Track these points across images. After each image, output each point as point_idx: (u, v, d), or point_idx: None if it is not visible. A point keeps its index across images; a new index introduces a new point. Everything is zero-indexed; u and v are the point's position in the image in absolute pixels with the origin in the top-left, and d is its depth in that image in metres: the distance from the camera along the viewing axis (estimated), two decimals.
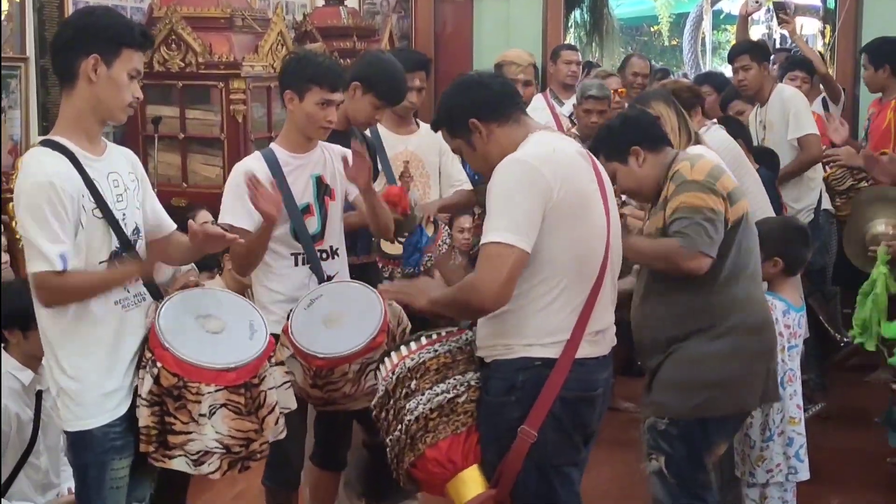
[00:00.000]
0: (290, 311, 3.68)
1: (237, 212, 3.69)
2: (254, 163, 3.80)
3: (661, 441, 3.63)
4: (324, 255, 3.88)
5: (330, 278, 3.86)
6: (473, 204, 5.31)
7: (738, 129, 5.55)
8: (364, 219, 4.01)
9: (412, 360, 3.17)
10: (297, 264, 3.84)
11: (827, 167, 6.25)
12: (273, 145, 3.90)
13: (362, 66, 4.38)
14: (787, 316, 4.10)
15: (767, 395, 3.73)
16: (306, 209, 3.83)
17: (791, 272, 4.21)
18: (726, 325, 3.56)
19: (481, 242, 3.00)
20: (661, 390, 3.64)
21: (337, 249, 3.94)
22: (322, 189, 3.88)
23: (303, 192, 3.83)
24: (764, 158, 5.61)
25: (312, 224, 3.85)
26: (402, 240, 4.50)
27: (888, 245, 5.17)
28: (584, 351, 3.08)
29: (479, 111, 3.16)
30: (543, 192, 2.97)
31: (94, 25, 3.02)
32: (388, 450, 3.22)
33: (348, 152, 3.88)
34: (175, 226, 3.42)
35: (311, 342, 3.57)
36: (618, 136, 3.72)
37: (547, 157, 3.03)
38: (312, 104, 3.76)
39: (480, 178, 5.36)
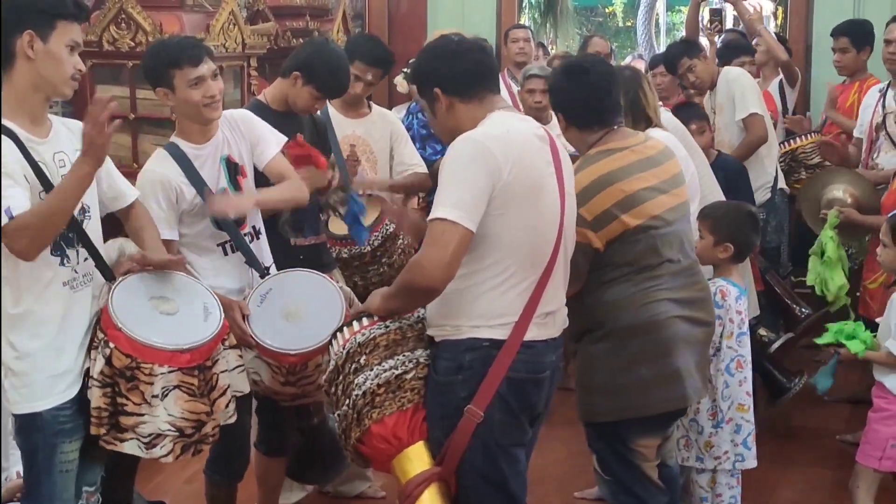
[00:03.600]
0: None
1: (161, 223, 3.55)
2: (164, 168, 3.63)
3: (589, 440, 3.65)
4: (249, 238, 3.78)
5: (268, 269, 3.78)
6: (428, 186, 5.28)
7: (697, 113, 5.59)
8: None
9: (363, 335, 3.15)
10: (226, 253, 3.74)
11: (796, 139, 6.31)
12: (174, 139, 3.74)
13: (306, 56, 4.23)
14: (739, 301, 4.10)
15: (676, 397, 3.54)
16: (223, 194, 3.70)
17: (740, 258, 4.22)
18: (602, 329, 3.48)
19: (429, 217, 2.99)
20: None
21: (259, 230, 3.85)
22: (233, 169, 3.75)
23: (217, 179, 3.70)
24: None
25: None
26: (343, 214, 4.44)
27: (839, 210, 5.24)
28: (533, 333, 3.07)
29: (442, 83, 3.15)
30: (492, 172, 2.96)
31: (24, 2, 2.96)
32: (336, 425, 3.21)
33: (245, 116, 3.83)
34: (137, 193, 3.38)
35: (277, 340, 3.52)
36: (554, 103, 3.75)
37: (499, 137, 3.02)
38: (185, 89, 3.56)
39: (434, 160, 5.39)
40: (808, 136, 6.39)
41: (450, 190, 2.97)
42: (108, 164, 3.28)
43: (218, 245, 3.73)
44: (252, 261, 3.75)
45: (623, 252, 3.44)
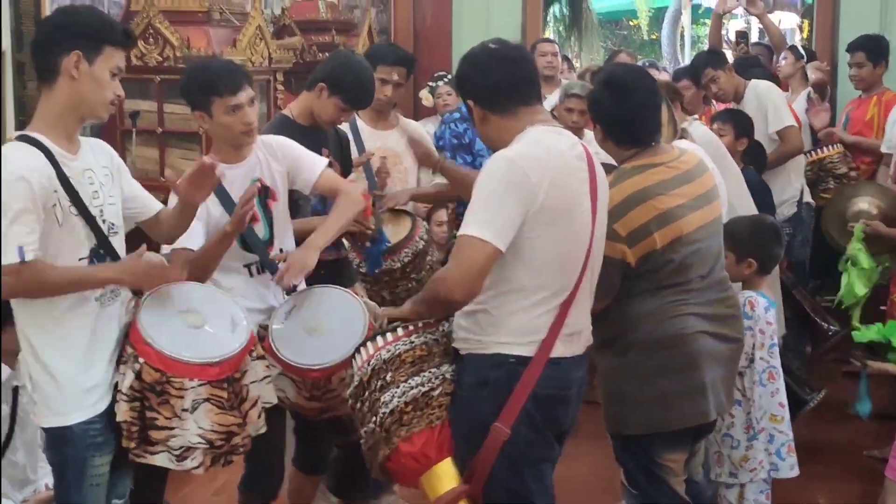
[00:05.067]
0: (266, 326, 3.61)
1: (187, 235, 3.52)
2: None
3: (616, 452, 3.64)
4: (278, 261, 3.77)
5: (295, 287, 3.76)
6: (454, 197, 5.28)
7: (746, 122, 5.59)
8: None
9: (388, 351, 3.15)
10: (252, 275, 3.76)
11: (823, 149, 6.29)
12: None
13: (331, 68, 4.26)
14: (769, 312, 4.09)
15: (698, 413, 3.52)
16: (251, 217, 3.69)
17: (765, 271, 4.21)
18: (626, 340, 3.47)
19: (459, 233, 2.99)
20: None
21: (288, 252, 3.84)
22: (263, 192, 3.75)
23: None
24: (753, 155, 5.64)
25: (260, 230, 3.75)
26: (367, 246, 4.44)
27: (866, 223, 5.22)
28: (559, 350, 3.06)
29: (475, 94, 3.15)
30: (527, 195, 2.95)
31: (77, 22, 3.02)
32: (362, 441, 3.20)
33: (283, 142, 3.82)
34: (161, 206, 3.41)
35: (300, 356, 3.52)
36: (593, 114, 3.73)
37: (537, 158, 3.00)
38: (222, 116, 3.60)
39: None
40: (835, 145, 6.38)
41: (482, 208, 2.96)
42: (130, 178, 3.32)
43: (245, 266, 3.75)
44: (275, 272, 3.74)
45: (653, 267, 3.43)
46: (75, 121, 3.07)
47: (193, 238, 3.53)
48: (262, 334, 3.58)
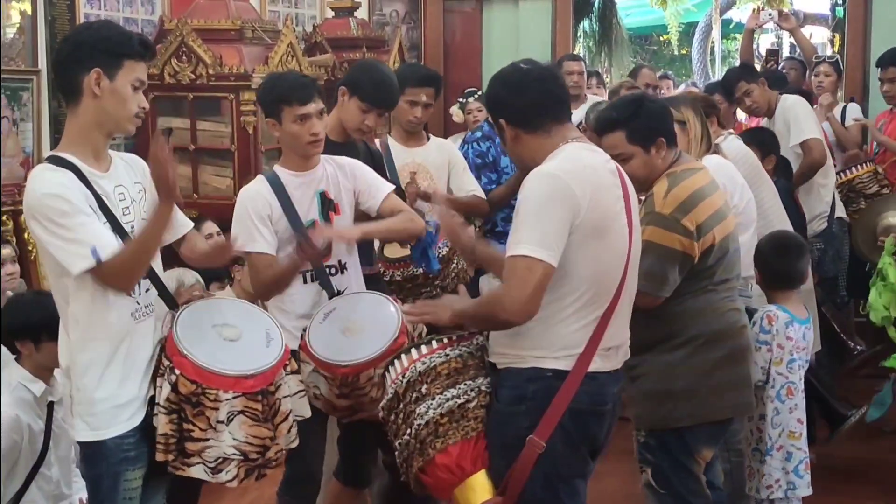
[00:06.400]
0: (305, 328, 3.69)
1: (254, 237, 3.69)
2: (259, 186, 3.80)
3: (645, 453, 3.65)
4: (332, 271, 3.86)
5: (340, 292, 3.85)
6: (486, 212, 5.30)
7: (769, 140, 5.59)
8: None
9: (423, 363, 3.16)
10: (305, 282, 3.83)
11: (852, 169, 6.26)
12: (276, 167, 3.88)
13: (350, 72, 4.39)
14: (790, 328, 4.08)
15: (743, 403, 3.71)
16: (311, 226, 3.80)
17: (780, 286, 4.21)
18: (685, 335, 3.56)
19: (509, 254, 2.98)
20: (635, 402, 3.65)
21: (346, 264, 3.91)
22: (326, 204, 3.85)
23: (308, 209, 3.82)
24: (782, 169, 5.64)
25: (318, 241, 3.78)
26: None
27: None
28: (596, 365, 3.07)
29: (507, 114, 3.16)
30: (573, 208, 2.96)
31: (93, 39, 3.03)
32: (396, 453, 3.22)
33: (354, 163, 3.93)
34: (192, 224, 3.45)
35: (331, 352, 3.58)
36: (652, 121, 3.63)
37: (578, 173, 3.01)
38: (290, 124, 3.74)
39: (489, 189, 5.41)
40: (865, 165, 6.35)
41: (532, 226, 2.96)
42: None
43: (299, 272, 3.78)
44: (326, 287, 3.84)
45: (709, 264, 3.55)
46: (103, 137, 3.09)
47: (263, 241, 3.71)
48: (302, 334, 3.68)
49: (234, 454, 3.10)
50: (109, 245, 2.93)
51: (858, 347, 5.41)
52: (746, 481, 4.12)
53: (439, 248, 4.67)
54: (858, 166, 6.33)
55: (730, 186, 4.13)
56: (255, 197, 3.75)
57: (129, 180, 3.17)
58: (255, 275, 3.74)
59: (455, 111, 6.91)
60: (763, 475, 4.05)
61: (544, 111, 3.14)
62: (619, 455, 4.26)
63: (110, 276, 2.94)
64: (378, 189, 3.95)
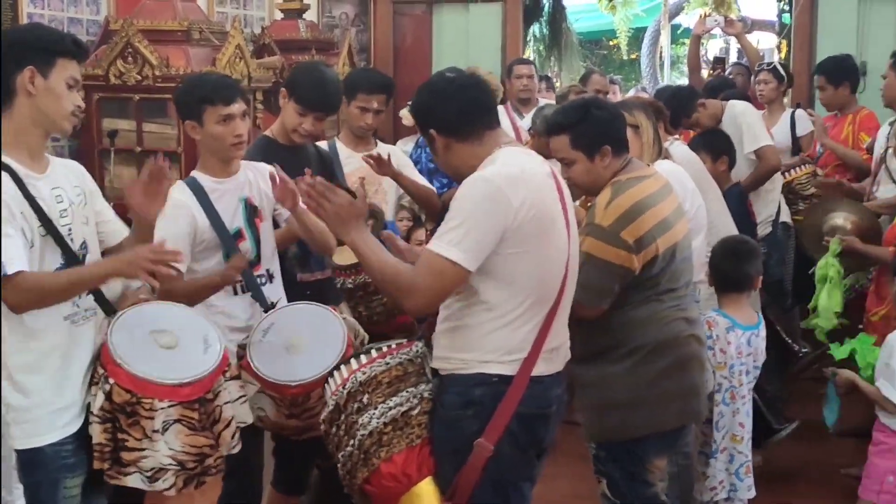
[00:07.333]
0: (245, 345, 3.58)
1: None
2: (184, 198, 3.65)
3: (598, 464, 3.65)
4: (262, 280, 3.79)
5: (273, 304, 3.77)
6: (437, 206, 5.27)
7: (721, 142, 5.63)
8: (291, 234, 3.95)
9: (363, 373, 3.14)
10: (236, 293, 3.75)
11: (791, 172, 6.32)
12: (195, 173, 3.76)
13: (291, 73, 4.31)
14: (731, 333, 4.12)
15: (691, 412, 3.66)
16: (238, 234, 3.72)
17: (726, 290, 4.23)
18: (628, 346, 3.52)
19: (429, 247, 2.98)
20: (583, 413, 3.65)
21: (273, 273, 3.86)
22: (251, 211, 3.77)
23: (232, 217, 3.72)
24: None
25: (246, 249, 3.75)
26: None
27: (841, 239, 5.26)
28: (540, 368, 3.07)
29: (437, 124, 3.13)
30: (505, 215, 2.94)
31: (25, 39, 3.03)
32: (339, 466, 3.19)
33: (272, 170, 3.80)
34: (127, 231, 3.39)
35: (278, 372, 3.49)
36: (597, 128, 3.56)
37: (514, 178, 2.99)
38: (213, 125, 3.63)
39: (442, 193, 5.39)
40: (804, 167, 6.42)
41: (457, 228, 2.94)
42: (102, 202, 3.31)
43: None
44: (258, 297, 3.76)
45: (653, 274, 3.50)
46: (38, 137, 3.05)
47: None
48: (241, 353, 3.57)
49: (171, 464, 3.06)
50: (19, 262, 2.86)
51: (803, 350, 5.46)
52: (695, 484, 4.13)
53: None
54: (798, 168, 6.39)
55: (680, 192, 4.14)
56: (180, 207, 3.59)
57: (67, 183, 3.13)
58: (164, 286, 3.53)
59: (405, 114, 6.88)
60: (707, 477, 4.07)
61: (473, 119, 3.12)
62: (568, 457, 4.30)
63: (12, 293, 2.86)
64: None
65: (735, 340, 4.11)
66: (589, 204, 3.68)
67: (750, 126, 5.92)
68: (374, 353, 3.19)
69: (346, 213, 3.05)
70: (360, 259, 3.09)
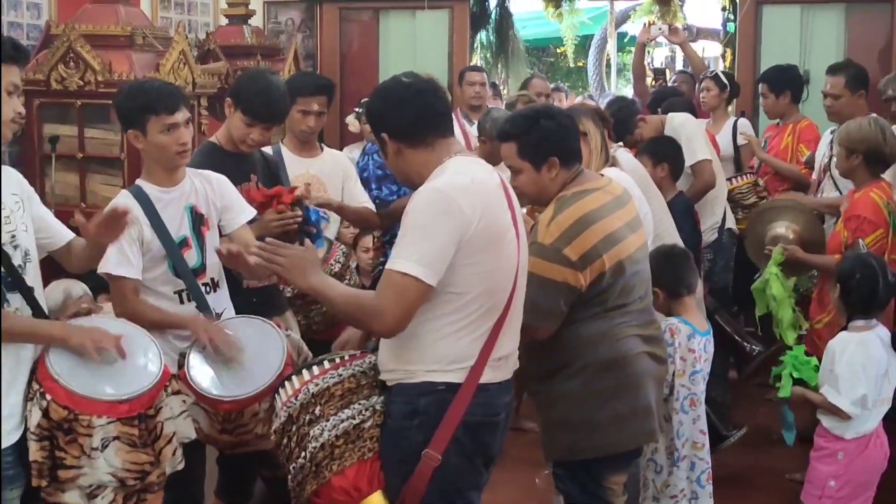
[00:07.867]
0: (184, 354, 3.54)
1: (122, 261, 3.50)
2: (124, 202, 3.56)
3: (556, 481, 3.64)
4: (207, 289, 3.74)
5: (219, 315, 3.72)
6: (376, 224, 5.27)
7: (664, 149, 5.65)
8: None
9: (315, 385, 3.10)
10: (182, 302, 3.68)
11: (733, 181, 6.37)
12: (140, 181, 3.71)
13: (235, 82, 4.23)
14: (692, 340, 4.12)
15: (646, 432, 3.59)
16: (183, 242, 3.67)
17: (675, 294, 4.22)
18: (577, 364, 3.47)
19: (389, 266, 2.94)
20: (539, 431, 3.64)
21: (218, 282, 3.81)
22: (197, 220, 3.72)
23: (179, 226, 3.67)
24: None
25: (192, 257, 3.69)
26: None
27: (784, 248, 5.30)
28: (487, 376, 3.05)
29: (389, 129, 3.09)
30: (460, 226, 2.92)
31: None
32: (290, 478, 3.15)
33: (221, 179, 3.81)
34: (73, 235, 3.35)
35: (213, 386, 3.45)
36: (545, 139, 3.50)
37: (467, 189, 2.97)
38: (157, 134, 3.56)
39: (384, 202, 5.39)
40: (745, 176, 6.47)
41: (415, 243, 2.91)
42: (40, 206, 3.26)
43: (175, 293, 3.67)
44: (204, 307, 3.70)
45: (601, 290, 3.44)
46: None
47: (130, 264, 3.52)
48: (181, 362, 3.52)
49: (111, 481, 3.02)
50: None
51: (756, 349, 5.47)
52: (641, 492, 4.13)
53: (331, 264, 4.62)
54: (738, 178, 6.44)
55: None
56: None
57: (5, 191, 3.06)
58: (120, 299, 3.56)
59: (351, 121, 6.88)
60: (668, 485, 4.07)
61: (426, 125, 3.09)
62: (514, 464, 4.28)
63: None
64: (241, 212, 3.85)
65: (696, 347, 4.11)
66: (537, 213, 3.64)
67: (689, 139, 5.94)
68: (326, 365, 3.15)
69: (300, 263, 3.04)
70: (323, 302, 3.12)
